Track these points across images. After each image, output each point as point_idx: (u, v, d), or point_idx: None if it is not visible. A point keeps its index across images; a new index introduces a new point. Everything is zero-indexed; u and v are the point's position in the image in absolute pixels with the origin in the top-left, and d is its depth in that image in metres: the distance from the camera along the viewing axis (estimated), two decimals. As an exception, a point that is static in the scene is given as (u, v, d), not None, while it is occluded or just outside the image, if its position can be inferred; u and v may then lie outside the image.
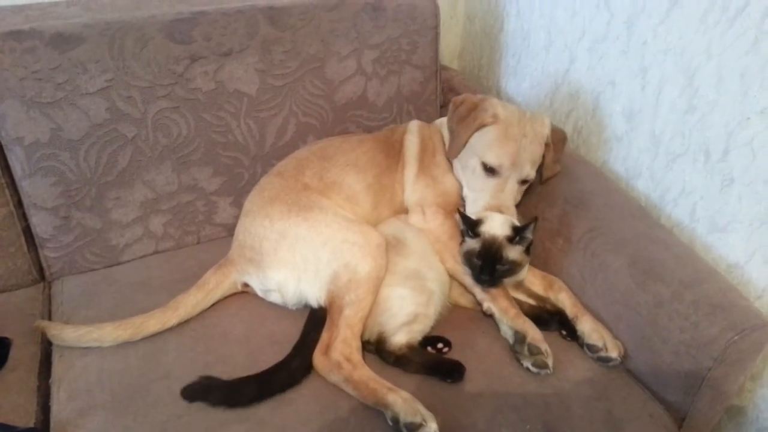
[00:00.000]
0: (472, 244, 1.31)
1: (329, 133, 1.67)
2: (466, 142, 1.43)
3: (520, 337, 1.25)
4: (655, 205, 1.48)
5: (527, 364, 1.22)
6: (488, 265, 1.27)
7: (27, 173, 1.37)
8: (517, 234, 1.29)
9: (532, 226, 1.28)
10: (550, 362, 1.21)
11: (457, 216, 1.35)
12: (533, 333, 1.24)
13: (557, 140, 1.49)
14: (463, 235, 1.35)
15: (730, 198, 1.29)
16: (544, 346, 1.23)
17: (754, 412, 1.33)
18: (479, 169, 1.41)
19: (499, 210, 1.36)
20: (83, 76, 1.35)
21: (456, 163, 1.49)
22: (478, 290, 1.35)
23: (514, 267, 1.29)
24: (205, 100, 1.48)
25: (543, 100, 1.84)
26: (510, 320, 1.28)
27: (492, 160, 1.39)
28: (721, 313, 1.13)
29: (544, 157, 1.47)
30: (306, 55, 1.57)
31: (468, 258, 1.31)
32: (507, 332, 1.29)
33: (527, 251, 1.31)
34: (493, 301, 1.32)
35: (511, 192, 1.40)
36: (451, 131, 1.48)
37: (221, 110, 1.51)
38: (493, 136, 1.40)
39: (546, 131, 1.46)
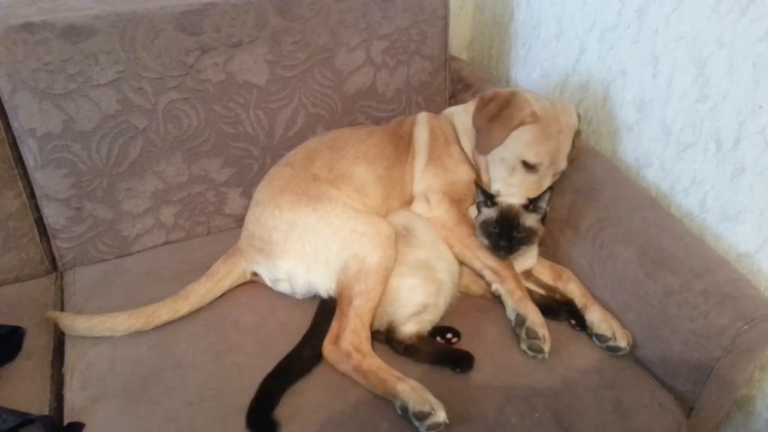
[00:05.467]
0: (489, 213, 1.32)
1: (338, 124, 1.67)
2: (503, 141, 1.42)
3: (520, 320, 1.26)
4: (665, 194, 1.47)
5: (524, 347, 1.24)
6: (506, 231, 1.28)
7: (39, 164, 1.38)
8: (531, 203, 1.31)
9: (547, 196, 1.30)
10: (546, 348, 1.22)
11: (475, 187, 1.36)
12: (533, 317, 1.25)
13: (580, 126, 1.50)
14: (479, 207, 1.35)
15: (741, 187, 1.28)
16: (542, 332, 1.23)
17: (763, 401, 1.33)
18: (519, 167, 1.40)
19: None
20: (95, 68, 1.36)
21: (483, 157, 1.47)
22: (487, 272, 1.35)
23: (530, 234, 1.30)
24: (215, 91, 1.49)
25: (553, 90, 1.83)
26: (514, 302, 1.28)
27: (532, 159, 1.38)
28: (730, 302, 1.12)
29: (573, 143, 1.47)
30: (315, 46, 1.57)
31: (485, 227, 1.32)
32: (511, 314, 1.29)
33: (542, 221, 1.32)
34: (501, 283, 1.32)
35: (547, 187, 1.40)
36: (479, 128, 1.46)
37: (231, 101, 1.52)
38: (533, 135, 1.39)
39: (576, 122, 1.46)
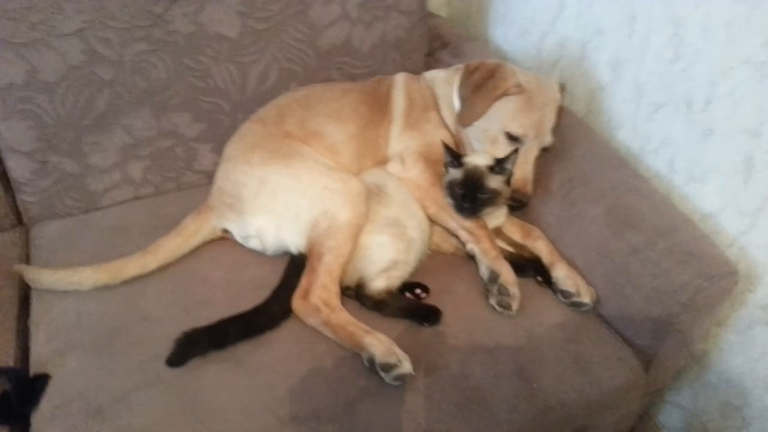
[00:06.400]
0: (455, 174, 1.32)
1: (312, 80, 1.63)
2: (485, 111, 1.41)
3: (493, 276, 1.27)
4: (635, 155, 1.49)
5: (493, 301, 1.25)
6: (470, 193, 1.29)
7: (2, 116, 1.34)
8: (497, 164, 1.31)
9: (512, 158, 1.30)
10: (514, 305, 1.24)
11: (443, 147, 1.35)
12: (506, 276, 1.26)
13: (563, 98, 1.51)
14: (446, 166, 1.35)
15: (709, 149, 1.29)
16: (513, 290, 1.25)
17: (718, 355, 1.38)
18: (502, 138, 1.40)
19: (525, 182, 1.38)
20: (59, 16, 1.31)
21: (466, 131, 1.46)
22: (463, 233, 1.35)
23: (494, 196, 1.30)
24: (185, 43, 1.45)
25: (530, 49, 1.82)
26: (489, 261, 1.29)
27: (517, 130, 1.38)
28: (692, 260, 1.15)
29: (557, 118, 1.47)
30: (289, -3, 1.53)
31: (450, 187, 1.32)
32: (484, 272, 1.30)
33: (507, 183, 1.33)
34: (476, 243, 1.33)
35: (533, 162, 1.41)
36: (464, 98, 1.45)
37: (201, 54, 1.48)
38: (517, 106, 1.39)
39: (559, 96, 1.47)
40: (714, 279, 1.12)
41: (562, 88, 1.53)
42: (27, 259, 1.37)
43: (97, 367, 1.10)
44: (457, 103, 1.49)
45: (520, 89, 1.39)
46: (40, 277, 1.24)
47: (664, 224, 1.22)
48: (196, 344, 1.13)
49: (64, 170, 1.43)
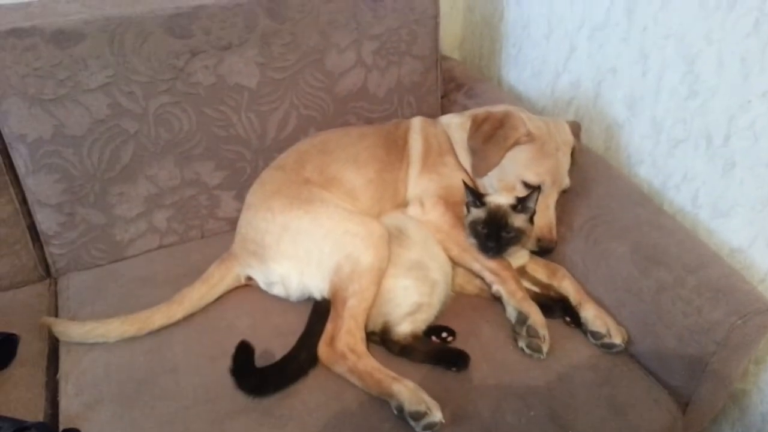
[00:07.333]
0: (478, 213, 1.32)
1: (330, 125, 1.66)
2: (498, 163, 1.41)
3: (522, 318, 1.26)
4: (657, 191, 1.48)
5: (522, 344, 1.23)
6: (494, 232, 1.28)
7: (31, 170, 1.37)
8: (519, 203, 1.31)
9: (534, 196, 1.29)
10: (544, 348, 1.22)
11: (463, 187, 1.35)
12: (535, 317, 1.25)
13: (577, 135, 1.50)
14: (468, 207, 1.35)
15: (732, 182, 1.29)
16: (542, 332, 1.23)
17: (759, 396, 1.34)
18: (519, 187, 1.40)
19: (549, 228, 1.38)
20: (84, 73, 1.35)
21: (482, 180, 1.47)
22: (487, 274, 1.35)
23: (518, 235, 1.30)
24: (206, 94, 1.49)
25: (544, 89, 1.84)
26: (516, 302, 1.28)
27: (533, 179, 1.38)
28: (723, 297, 1.13)
29: (573, 159, 1.47)
30: (306, 48, 1.57)
31: (473, 227, 1.32)
32: (512, 314, 1.29)
33: (530, 221, 1.32)
34: (502, 284, 1.32)
35: (553, 207, 1.41)
36: (474, 150, 1.45)
37: (222, 104, 1.51)
38: (530, 155, 1.39)
39: (571, 138, 1.46)
40: (748, 316, 1.09)
41: (579, 127, 1.53)
42: (55, 311, 1.39)
43: (126, 421, 1.09)
44: None
45: (531, 137, 1.39)
46: (68, 329, 1.25)
47: (692, 260, 1.21)
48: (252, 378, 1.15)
49: (90, 221, 1.46)
